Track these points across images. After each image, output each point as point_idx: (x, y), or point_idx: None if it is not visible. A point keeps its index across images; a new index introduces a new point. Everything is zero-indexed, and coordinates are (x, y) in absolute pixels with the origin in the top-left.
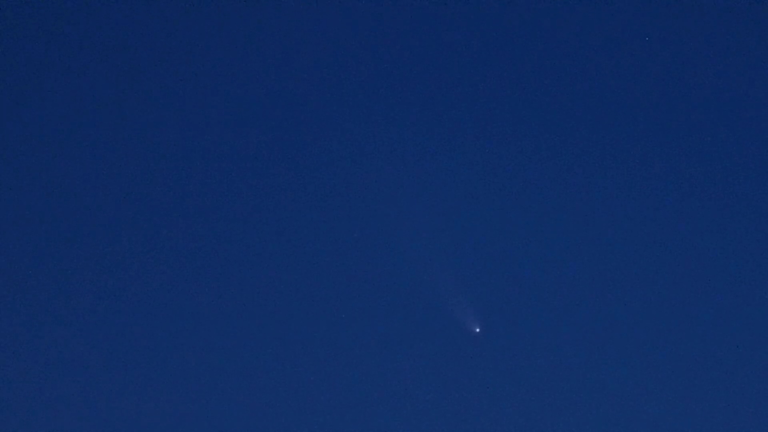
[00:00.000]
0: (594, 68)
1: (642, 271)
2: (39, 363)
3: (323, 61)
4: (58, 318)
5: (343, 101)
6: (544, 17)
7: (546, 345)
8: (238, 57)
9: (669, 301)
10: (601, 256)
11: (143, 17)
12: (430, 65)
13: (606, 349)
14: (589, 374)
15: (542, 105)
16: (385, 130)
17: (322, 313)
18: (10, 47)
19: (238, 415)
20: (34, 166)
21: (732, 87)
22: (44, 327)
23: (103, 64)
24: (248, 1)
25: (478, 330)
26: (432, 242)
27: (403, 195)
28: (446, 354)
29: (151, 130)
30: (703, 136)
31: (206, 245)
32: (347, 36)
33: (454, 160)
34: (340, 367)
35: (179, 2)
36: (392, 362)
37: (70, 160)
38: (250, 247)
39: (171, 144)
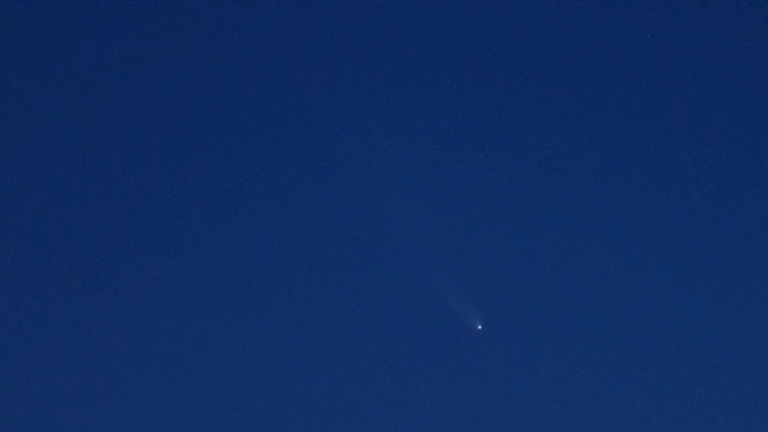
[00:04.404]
0: (593, 68)
1: (642, 270)
2: (39, 363)
3: (324, 60)
4: (57, 318)
5: (343, 101)
6: (544, 17)
7: (548, 342)
8: (238, 56)
9: (669, 298)
10: (602, 253)
11: (143, 17)
12: (431, 65)
13: (607, 346)
14: (590, 372)
15: (542, 104)
16: (386, 129)
17: (323, 311)
18: (10, 47)
19: (239, 415)
20: (34, 166)
21: (732, 87)
22: (43, 327)
23: (104, 63)
24: (248, 0)
25: (480, 327)
26: (433, 240)
27: (405, 193)
28: (448, 351)
29: (150, 130)
30: (703, 136)
31: (206, 245)
32: (348, 36)
33: (456, 158)
34: (342, 365)
35: (179, 2)
36: (394, 360)
37: (70, 160)
38: (250, 246)
39: (170, 144)
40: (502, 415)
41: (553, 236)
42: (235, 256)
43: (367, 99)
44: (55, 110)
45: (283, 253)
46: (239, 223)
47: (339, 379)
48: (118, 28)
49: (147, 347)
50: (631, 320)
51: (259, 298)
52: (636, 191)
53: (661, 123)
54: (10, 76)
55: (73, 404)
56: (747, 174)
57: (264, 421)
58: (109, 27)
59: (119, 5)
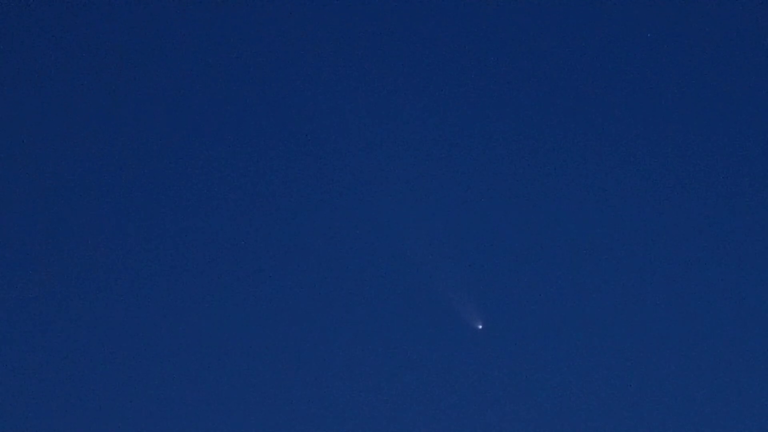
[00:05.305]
0: (594, 68)
1: (642, 269)
2: (38, 363)
3: (325, 60)
4: (57, 318)
5: (344, 100)
6: (544, 17)
7: (548, 342)
8: (239, 57)
9: (669, 298)
10: (602, 253)
11: (143, 17)
12: (432, 65)
13: (607, 346)
14: (590, 371)
15: (544, 104)
16: (387, 128)
17: (323, 310)
18: (10, 47)
19: (240, 415)
20: (34, 166)
21: (732, 87)
22: (43, 327)
23: (103, 64)
24: (248, 1)
25: (480, 327)
26: (434, 239)
27: (405, 193)
28: (448, 351)
29: (149, 131)
30: (703, 135)
31: (207, 246)
32: (348, 36)
33: (457, 158)
34: (341, 364)
35: (179, 2)
36: (394, 359)
37: (70, 160)
38: (250, 245)
39: (169, 143)
40: (502, 414)
41: (553, 236)
42: (235, 256)
43: (368, 99)
44: (52, 110)
45: (283, 252)
46: (240, 222)
47: (338, 378)
48: (117, 27)
49: (146, 347)
50: (631, 320)
51: (259, 298)
52: (636, 191)
53: (661, 123)
54: (10, 76)
55: (73, 404)
56: (747, 174)
57: (264, 421)
58: (109, 25)
59: (119, 4)
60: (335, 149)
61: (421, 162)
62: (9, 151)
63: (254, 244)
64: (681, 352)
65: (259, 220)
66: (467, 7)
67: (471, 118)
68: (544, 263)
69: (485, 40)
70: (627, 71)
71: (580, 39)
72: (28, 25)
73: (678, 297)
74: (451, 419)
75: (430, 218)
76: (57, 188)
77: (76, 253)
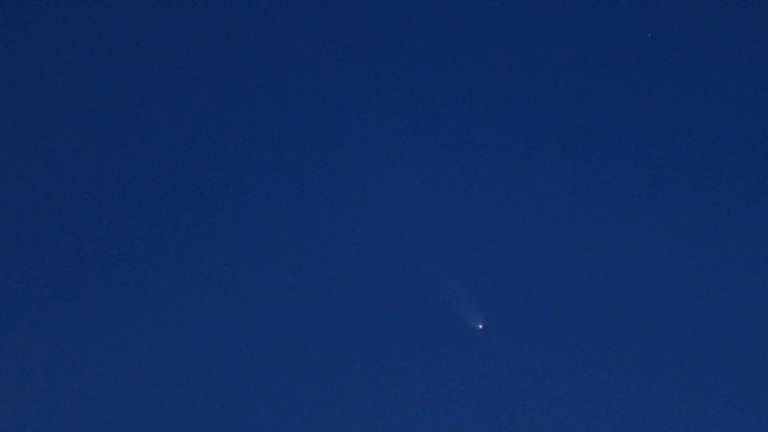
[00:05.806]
0: (594, 67)
1: (642, 269)
2: (38, 363)
3: (325, 60)
4: (56, 318)
5: (345, 99)
6: (545, 16)
7: (548, 342)
8: (238, 56)
9: (670, 298)
10: (603, 253)
11: (143, 17)
12: (433, 64)
13: (608, 346)
14: (590, 371)
15: (544, 102)
16: (387, 126)
17: (323, 310)
18: (10, 47)
19: (239, 415)
20: (33, 166)
21: (732, 87)
22: (43, 327)
23: (103, 64)
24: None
25: (480, 326)
26: (434, 239)
27: (406, 192)
28: (448, 351)
29: (149, 130)
30: (703, 135)
31: (206, 246)
32: (349, 35)
33: (457, 157)
34: (341, 364)
35: (180, 2)
36: (394, 359)
37: (70, 160)
38: (250, 244)
39: (170, 143)
40: (502, 414)
41: (554, 235)
42: (235, 255)
43: (369, 97)
44: (52, 110)
45: (283, 251)
46: (240, 221)
47: (338, 378)
48: (118, 27)
49: (147, 348)
50: (631, 320)
51: (259, 297)
52: (637, 191)
53: (661, 124)
54: (10, 76)
55: (73, 404)
56: (747, 174)
57: (263, 420)
58: (109, 25)
59: (119, 4)
60: (335, 148)
61: (422, 161)
62: (9, 151)
63: (254, 244)
64: (681, 351)
65: (260, 221)
66: (468, 7)
67: (471, 117)
68: (544, 263)
69: (486, 39)
70: (627, 71)
71: (580, 39)
72: (28, 25)
73: (678, 297)
74: (451, 419)
75: (431, 218)
76: (57, 188)
77: (75, 252)
